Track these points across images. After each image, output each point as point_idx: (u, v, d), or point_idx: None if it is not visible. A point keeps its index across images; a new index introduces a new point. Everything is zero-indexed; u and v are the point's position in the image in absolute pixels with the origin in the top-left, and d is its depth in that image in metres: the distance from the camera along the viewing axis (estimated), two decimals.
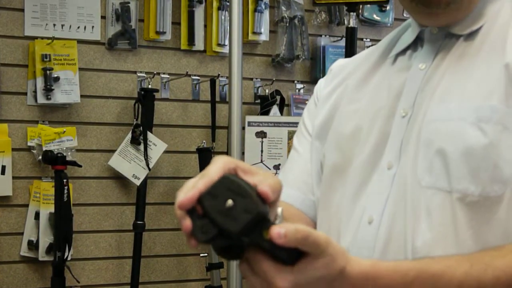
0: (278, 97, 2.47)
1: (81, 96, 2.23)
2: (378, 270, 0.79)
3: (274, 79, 2.51)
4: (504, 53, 0.90)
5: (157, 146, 2.30)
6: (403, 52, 1.01)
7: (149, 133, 2.28)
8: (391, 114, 0.95)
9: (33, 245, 2.14)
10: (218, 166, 0.69)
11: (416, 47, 0.99)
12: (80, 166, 2.18)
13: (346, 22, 2.41)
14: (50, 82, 2.15)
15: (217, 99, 2.40)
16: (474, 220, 0.86)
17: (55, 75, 2.17)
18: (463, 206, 0.86)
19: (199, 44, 2.42)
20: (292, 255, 0.66)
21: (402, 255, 0.88)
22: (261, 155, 2.33)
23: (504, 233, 0.86)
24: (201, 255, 2.34)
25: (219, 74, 2.39)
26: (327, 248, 0.69)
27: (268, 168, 2.34)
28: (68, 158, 2.13)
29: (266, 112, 2.46)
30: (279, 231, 0.65)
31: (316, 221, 1.04)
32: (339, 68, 1.12)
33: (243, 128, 2.18)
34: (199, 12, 2.41)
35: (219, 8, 2.42)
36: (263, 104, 2.48)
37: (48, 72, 2.16)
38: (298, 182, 1.05)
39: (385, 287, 0.79)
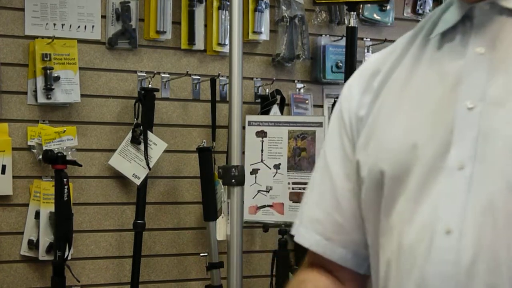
0: (278, 97, 2.47)
1: (82, 95, 2.25)
2: None
3: (274, 78, 2.51)
4: None
5: (157, 145, 2.31)
6: (449, 34, 0.90)
7: (149, 133, 2.30)
8: (449, 106, 0.84)
9: (33, 245, 2.15)
10: None
11: (465, 28, 0.88)
12: (80, 165, 2.18)
13: (346, 22, 2.40)
14: (50, 82, 2.17)
15: (218, 98, 2.41)
16: None
17: (56, 75, 2.18)
18: None
19: (199, 44, 2.44)
20: None
21: (496, 270, 0.79)
22: (261, 155, 2.32)
23: None
24: (201, 254, 2.35)
25: (219, 74, 2.40)
26: None
27: (268, 167, 2.33)
28: (68, 158, 2.14)
29: (266, 112, 2.45)
30: None
31: (338, 260, 0.97)
32: (377, 59, 1.01)
33: (243, 127, 2.16)
34: (199, 11, 2.44)
35: (219, 8, 2.45)
36: (263, 103, 2.48)
37: (48, 71, 2.18)
38: (317, 224, 0.99)
39: None
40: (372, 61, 1.01)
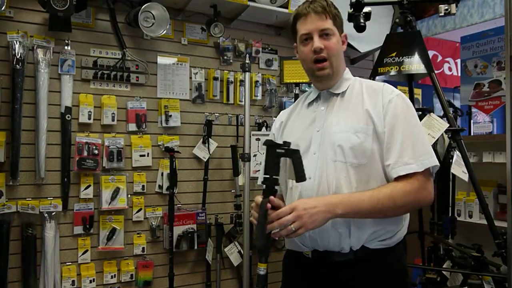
0: (265, 123, 2.58)
1: (181, 123, 2.42)
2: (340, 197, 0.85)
3: (263, 115, 2.63)
4: (363, 104, 0.99)
5: (213, 144, 2.47)
6: (311, 102, 1.09)
7: (210, 139, 2.46)
8: (311, 130, 1.04)
9: (160, 187, 2.35)
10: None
11: (318, 100, 1.08)
12: (180, 153, 2.38)
13: (297, 91, 2.49)
14: (167, 117, 2.37)
15: (239, 124, 2.53)
16: (357, 174, 0.95)
17: (170, 114, 2.38)
18: (351, 168, 0.95)
19: (231, 100, 2.58)
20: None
21: (326, 190, 0.95)
22: (258, 148, 2.45)
23: (375, 180, 0.94)
24: (232, 190, 2.53)
25: (239, 114, 2.55)
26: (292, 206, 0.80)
27: (261, 153, 2.44)
28: (175, 149, 2.33)
29: (260, 129, 2.57)
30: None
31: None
32: (282, 115, 1.23)
33: (250, 136, 2.31)
34: (231, 86, 2.57)
35: (240, 85, 2.57)
36: (259, 126, 2.59)
37: (167, 112, 2.37)
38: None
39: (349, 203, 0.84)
40: (283, 111, 1.23)
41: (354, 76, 1.09)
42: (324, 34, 1.02)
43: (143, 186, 2.31)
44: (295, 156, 0.86)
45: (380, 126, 0.95)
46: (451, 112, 1.92)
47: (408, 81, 2.29)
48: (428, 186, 0.91)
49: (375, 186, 0.93)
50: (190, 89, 2.47)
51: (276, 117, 1.29)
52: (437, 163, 0.93)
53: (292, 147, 0.93)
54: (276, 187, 0.93)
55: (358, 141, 0.95)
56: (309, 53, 1.03)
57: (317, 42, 1.01)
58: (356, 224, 0.95)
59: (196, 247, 2.35)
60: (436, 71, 1.98)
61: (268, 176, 0.88)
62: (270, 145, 0.89)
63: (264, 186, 0.91)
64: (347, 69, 1.09)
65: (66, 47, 2.12)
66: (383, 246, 0.99)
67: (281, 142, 0.94)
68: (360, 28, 1.99)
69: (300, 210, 0.81)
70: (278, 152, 0.86)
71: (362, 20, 1.92)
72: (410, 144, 0.92)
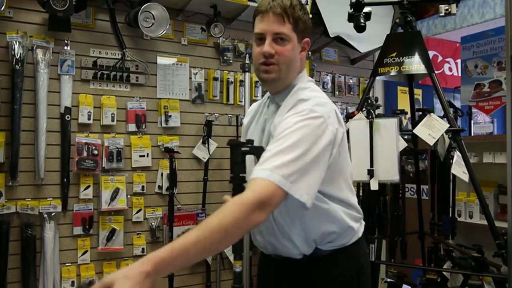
0: None
1: (181, 123, 2.44)
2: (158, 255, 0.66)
3: None
4: (273, 123, 0.97)
5: (212, 145, 2.50)
6: (268, 103, 1.08)
7: (210, 139, 2.49)
8: (262, 133, 1.06)
9: (160, 187, 2.37)
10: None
11: (269, 105, 1.07)
12: (180, 153, 2.40)
13: None
14: (167, 117, 2.38)
15: (239, 124, 2.56)
16: None
17: (170, 114, 2.39)
18: None
19: (231, 100, 2.61)
20: None
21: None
22: None
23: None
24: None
25: (239, 114, 2.58)
26: (109, 280, 0.61)
27: None
28: (175, 150, 2.36)
29: None
30: None
31: None
32: (248, 113, 1.21)
33: None
34: (231, 87, 2.61)
35: (240, 86, 2.61)
36: None
37: (167, 113, 2.38)
38: None
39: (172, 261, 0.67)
40: (253, 105, 1.19)
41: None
42: (279, 38, 0.96)
43: (142, 186, 2.32)
44: (259, 153, 0.84)
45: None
46: (452, 113, 1.92)
47: (408, 82, 2.30)
48: (267, 209, 0.78)
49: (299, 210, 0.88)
50: (190, 90, 2.48)
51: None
52: (303, 199, 0.81)
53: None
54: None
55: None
56: (259, 55, 0.98)
57: (267, 46, 0.95)
58: (300, 235, 0.95)
59: None
60: (436, 72, 1.99)
61: (235, 175, 0.87)
62: (235, 145, 0.87)
63: (232, 185, 0.92)
64: (301, 74, 1.02)
65: (65, 47, 2.14)
66: (337, 247, 0.99)
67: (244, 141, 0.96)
68: (360, 28, 1.97)
69: None
70: (243, 151, 0.85)
71: (362, 20, 1.94)
72: (283, 157, 0.81)
